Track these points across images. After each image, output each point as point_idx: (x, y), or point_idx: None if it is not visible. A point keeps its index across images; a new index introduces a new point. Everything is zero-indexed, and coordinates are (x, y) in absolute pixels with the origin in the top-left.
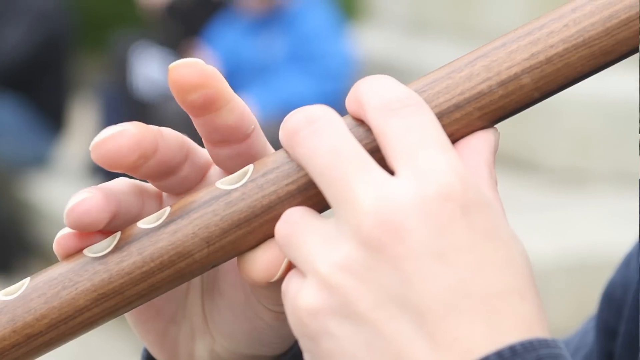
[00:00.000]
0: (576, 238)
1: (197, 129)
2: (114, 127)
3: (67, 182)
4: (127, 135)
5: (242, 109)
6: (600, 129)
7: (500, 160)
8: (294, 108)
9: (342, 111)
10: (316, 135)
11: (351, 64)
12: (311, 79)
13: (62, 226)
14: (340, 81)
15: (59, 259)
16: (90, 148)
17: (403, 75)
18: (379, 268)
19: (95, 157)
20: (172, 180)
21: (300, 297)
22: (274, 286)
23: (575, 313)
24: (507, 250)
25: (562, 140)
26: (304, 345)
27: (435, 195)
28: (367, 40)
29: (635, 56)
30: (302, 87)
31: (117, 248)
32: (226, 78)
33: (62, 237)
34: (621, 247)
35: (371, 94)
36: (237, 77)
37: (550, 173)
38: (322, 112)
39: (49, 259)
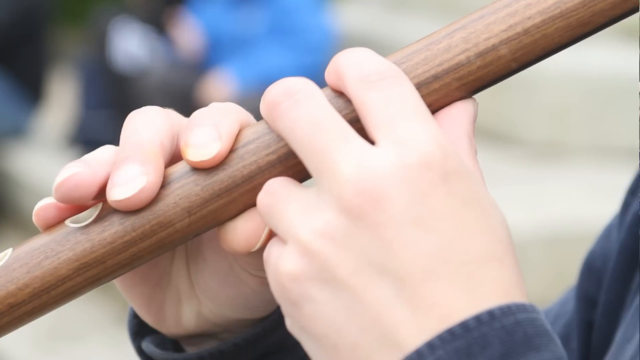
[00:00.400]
0: (553, 210)
1: None
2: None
3: (45, 153)
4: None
5: None
6: (578, 102)
7: (479, 133)
8: (274, 81)
9: (322, 84)
10: (296, 107)
11: (331, 37)
12: (291, 52)
13: (40, 196)
14: (320, 54)
15: (40, 230)
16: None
17: (383, 50)
18: (359, 235)
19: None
20: None
21: (282, 264)
22: (257, 253)
23: (551, 284)
24: (486, 218)
25: (541, 114)
26: (285, 310)
27: (415, 164)
28: (348, 15)
29: (616, 31)
30: (282, 61)
31: (99, 218)
32: (207, 51)
33: (41, 209)
34: (597, 220)
35: (350, 65)
36: (217, 50)
37: (528, 146)
38: (301, 84)
39: (26, 229)
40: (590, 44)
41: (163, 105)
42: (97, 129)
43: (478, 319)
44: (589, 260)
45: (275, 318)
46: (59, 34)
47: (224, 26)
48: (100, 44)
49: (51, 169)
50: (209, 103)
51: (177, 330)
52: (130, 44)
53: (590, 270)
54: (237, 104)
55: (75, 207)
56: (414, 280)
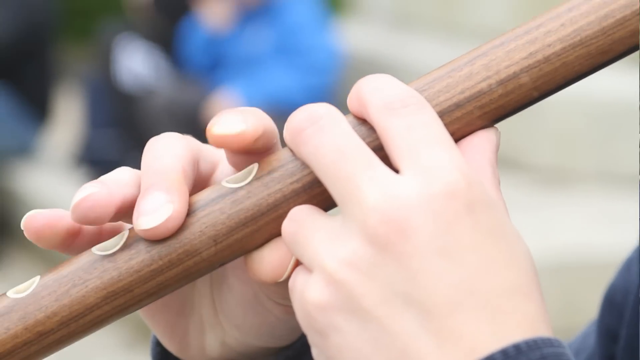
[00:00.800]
0: (560, 238)
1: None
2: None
3: (52, 172)
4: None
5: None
6: (586, 128)
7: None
8: (280, 101)
9: (328, 103)
10: (320, 134)
11: (337, 57)
12: (296, 72)
13: None
14: (325, 75)
15: (34, 242)
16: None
17: (388, 70)
18: (385, 264)
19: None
20: None
21: (308, 293)
22: (283, 282)
23: (559, 313)
24: (511, 249)
25: (548, 140)
26: (312, 339)
27: (440, 193)
28: (353, 34)
29: (630, 55)
30: (288, 81)
31: (125, 246)
32: (212, 70)
33: (27, 221)
34: (605, 247)
35: (373, 92)
36: (223, 69)
37: (535, 172)
38: (325, 111)
39: (32, 249)
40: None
41: (169, 124)
42: (104, 147)
43: (505, 353)
44: (609, 294)
45: (298, 347)
46: (64, 50)
47: (230, 44)
48: (104, 61)
49: (57, 187)
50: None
51: (201, 358)
52: (134, 62)
53: (611, 304)
54: None
55: (62, 215)
56: (440, 312)
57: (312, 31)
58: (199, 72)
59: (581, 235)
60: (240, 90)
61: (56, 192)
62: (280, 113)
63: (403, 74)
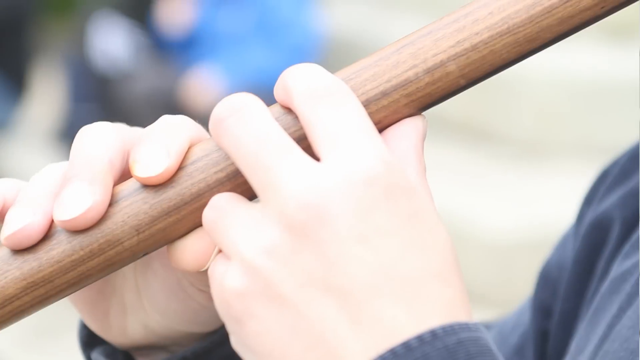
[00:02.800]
0: (539, 213)
1: None
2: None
3: (30, 146)
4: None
5: None
6: (565, 103)
7: (464, 133)
8: (260, 81)
9: None
10: (240, 124)
11: (318, 37)
12: (277, 52)
13: None
14: (306, 55)
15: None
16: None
17: (372, 50)
18: (303, 251)
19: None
20: None
21: (226, 280)
22: (205, 270)
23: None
24: (431, 235)
25: (526, 115)
26: (230, 327)
27: (359, 179)
28: (336, 15)
29: (601, 30)
30: (268, 60)
31: (46, 236)
32: (193, 48)
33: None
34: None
35: (297, 82)
36: (202, 49)
37: (513, 147)
38: (246, 100)
39: None
40: (574, 43)
41: (147, 108)
42: (84, 122)
43: (420, 338)
44: (545, 269)
45: (224, 332)
46: (44, 26)
47: (209, 24)
48: (79, 42)
49: (36, 162)
50: (194, 103)
51: (123, 340)
52: (111, 42)
53: (546, 279)
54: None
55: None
56: (358, 298)
57: (293, 11)
58: (175, 50)
59: (560, 211)
60: (219, 70)
61: (35, 166)
62: (260, 93)
63: None
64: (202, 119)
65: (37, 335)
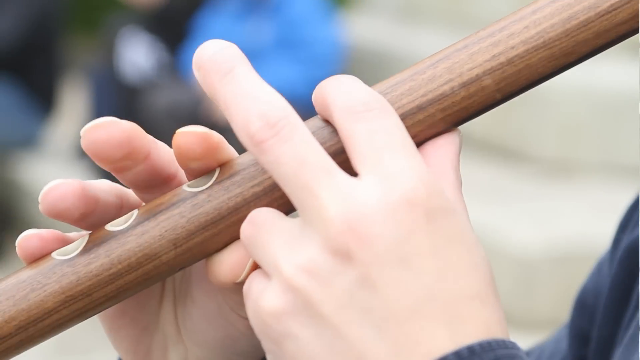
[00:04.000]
0: (563, 228)
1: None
2: (108, 118)
3: (56, 164)
4: (120, 128)
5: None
6: (590, 119)
7: (489, 149)
8: (283, 94)
9: None
10: (279, 144)
11: (340, 49)
12: (299, 65)
13: None
14: (328, 67)
15: (23, 262)
16: (81, 133)
17: (394, 63)
18: (344, 272)
19: (84, 144)
20: (157, 193)
21: (263, 299)
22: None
23: (560, 303)
24: (470, 256)
25: (552, 131)
26: (266, 346)
27: (400, 201)
28: (359, 27)
29: (627, 47)
30: (291, 73)
31: (85, 250)
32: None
33: (23, 240)
34: (607, 238)
35: (336, 95)
36: None
37: (539, 163)
38: (283, 117)
39: None
40: (600, 60)
41: (170, 122)
42: None
43: (458, 354)
44: (581, 296)
45: None
46: (71, 43)
47: (232, 38)
48: (108, 54)
49: (62, 177)
50: (216, 116)
51: None
52: (137, 55)
53: (583, 306)
54: None
55: (60, 239)
56: (397, 319)
57: (315, 23)
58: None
59: (584, 226)
60: None
61: None
62: None
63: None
64: (223, 130)
65: (61, 353)
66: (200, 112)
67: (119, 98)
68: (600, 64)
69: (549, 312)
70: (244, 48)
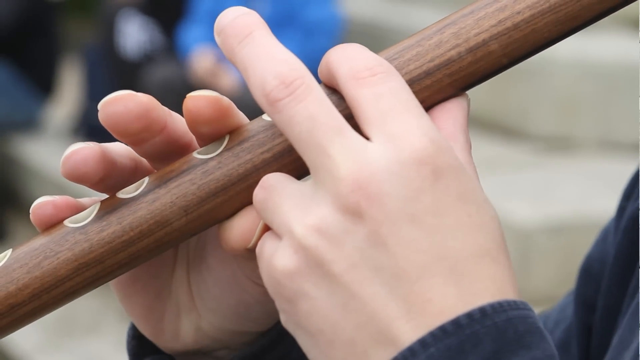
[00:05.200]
0: (560, 201)
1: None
2: (126, 91)
3: (55, 143)
4: (137, 101)
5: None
6: (587, 95)
7: (486, 126)
8: None
9: None
10: (293, 103)
11: (336, 24)
12: (297, 40)
13: (50, 185)
14: (325, 42)
15: (37, 229)
16: (98, 107)
17: (388, 37)
18: (355, 231)
19: (102, 117)
20: (171, 162)
21: (276, 259)
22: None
23: (557, 273)
24: (479, 214)
25: (549, 106)
26: (280, 306)
27: (409, 160)
28: (355, 4)
29: (626, 21)
30: (288, 48)
31: (97, 218)
32: (213, 45)
33: (37, 207)
34: (604, 210)
35: (342, 62)
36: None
37: (536, 139)
38: (299, 77)
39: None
40: (599, 34)
41: (166, 97)
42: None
43: (470, 316)
44: (586, 264)
45: (273, 335)
46: (67, 24)
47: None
48: (104, 34)
49: (59, 158)
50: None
51: (174, 344)
52: (132, 35)
53: (588, 274)
54: (241, 95)
55: (73, 206)
56: (408, 277)
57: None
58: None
59: (581, 199)
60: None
61: (58, 162)
62: None
63: None
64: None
65: (61, 334)
66: (191, 84)
67: (113, 76)
68: (597, 37)
69: (546, 282)
70: None
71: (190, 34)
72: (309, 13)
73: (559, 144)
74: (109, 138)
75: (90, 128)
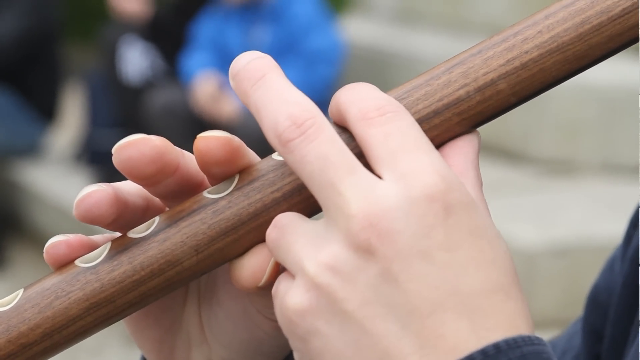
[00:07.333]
0: (564, 223)
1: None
2: (139, 135)
3: (57, 169)
4: (151, 145)
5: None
6: (589, 118)
7: (490, 149)
8: None
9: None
10: (305, 143)
11: (339, 51)
12: (300, 68)
13: (51, 211)
14: (328, 70)
15: (51, 268)
16: (112, 151)
17: (391, 65)
18: (366, 268)
19: (116, 161)
20: (184, 201)
21: (289, 297)
22: (271, 295)
23: (561, 296)
24: (491, 249)
25: (551, 130)
26: (293, 344)
27: (420, 196)
28: (356, 30)
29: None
30: (291, 78)
31: (108, 257)
32: (215, 70)
33: (51, 246)
34: (606, 234)
35: (351, 103)
36: (225, 69)
37: (539, 163)
38: (310, 117)
39: (39, 242)
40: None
41: (169, 123)
42: (105, 144)
43: (484, 352)
44: (593, 293)
45: None
46: (68, 51)
47: (231, 44)
48: (105, 61)
49: (62, 183)
50: (217, 120)
51: None
52: (132, 62)
53: (595, 303)
54: (243, 121)
55: (86, 245)
56: (421, 313)
57: (314, 27)
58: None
59: (583, 222)
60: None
61: (61, 188)
62: None
63: (407, 70)
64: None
65: (71, 353)
66: (194, 114)
67: (115, 102)
68: (602, 64)
69: (549, 305)
70: (244, 52)
71: (192, 60)
72: (310, 42)
73: (561, 167)
74: (111, 164)
75: (93, 154)
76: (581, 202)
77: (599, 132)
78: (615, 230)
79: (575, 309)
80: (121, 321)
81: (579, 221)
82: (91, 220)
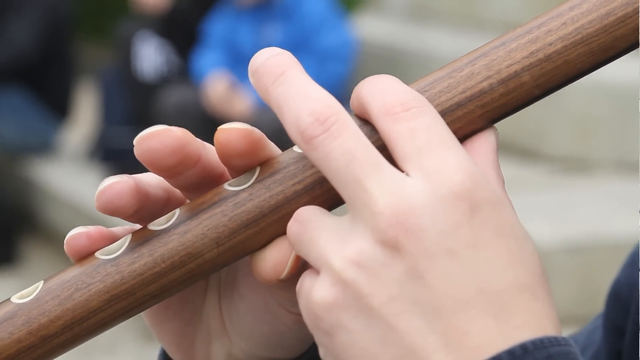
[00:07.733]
0: (578, 221)
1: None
2: (161, 126)
3: (71, 166)
4: (173, 136)
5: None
6: (603, 115)
7: (504, 147)
8: None
9: (344, 95)
10: (330, 139)
11: (351, 48)
12: (312, 66)
13: (65, 209)
14: (342, 66)
15: (71, 259)
16: (134, 142)
17: (405, 62)
18: (393, 264)
19: (137, 153)
20: (204, 192)
21: (315, 292)
22: (293, 287)
23: (576, 293)
24: (519, 248)
25: (565, 127)
26: (318, 339)
27: (447, 194)
28: (370, 29)
29: None
30: None
31: (128, 249)
32: (227, 69)
33: (72, 238)
34: (620, 231)
35: (374, 97)
36: (236, 68)
37: (553, 160)
38: (333, 114)
39: (53, 238)
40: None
41: (182, 123)
42: (118, 141)
43: (511, 353)
44: (614, 288)
45: (307, 358)
46: (82, 49)
47: (242, 42)
48: (119, 58)
49: (76, 180)
50: (229, 119)
51: None
52: (147, 58)
53: (617, 298)
54: (256, 119)
55: (106, 237)
56: (447, 311)
57: (327, 25)
58: (219, 71)
59: (598, 219)
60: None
61: (74, 185)
62: None
63: (420, 67)
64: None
65: (85, 352)
66: (207, 113)
67: (129, 98)
68: (616, 61)
69: (564, 302)
70: (254, 52)
71: (204, 59)
72: (322, 39)
73: (575, 165)
74: (125, 161)
75: (106, 151)
76: (595, 200)
77: (613, 129)
78: (629, 227)
79: (590, 305)
80: (136, 317)
81: (593, 218)
82: (112, 211)
